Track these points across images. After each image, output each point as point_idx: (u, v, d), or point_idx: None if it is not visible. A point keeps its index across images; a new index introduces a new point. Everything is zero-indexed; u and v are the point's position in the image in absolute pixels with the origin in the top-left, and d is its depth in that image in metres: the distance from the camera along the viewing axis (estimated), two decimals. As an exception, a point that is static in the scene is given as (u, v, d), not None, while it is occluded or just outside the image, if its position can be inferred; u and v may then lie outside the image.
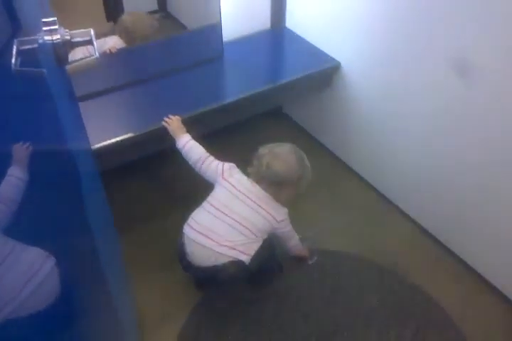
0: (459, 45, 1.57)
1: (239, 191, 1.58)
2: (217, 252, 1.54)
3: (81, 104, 1.64)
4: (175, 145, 1.65)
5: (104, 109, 1.79)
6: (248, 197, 1.58)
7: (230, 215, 1.56)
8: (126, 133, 1.67)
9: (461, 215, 1.88)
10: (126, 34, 1.89)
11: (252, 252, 1.56)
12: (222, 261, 1.55)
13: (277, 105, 2.53)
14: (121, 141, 1.66)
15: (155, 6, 2.16)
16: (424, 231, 2.08)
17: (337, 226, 2.12)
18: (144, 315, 1.80)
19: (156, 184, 2.28)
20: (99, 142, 1.62)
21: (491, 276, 1.89)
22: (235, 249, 1.55)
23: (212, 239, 1.55)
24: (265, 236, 1.62)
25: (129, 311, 1.69)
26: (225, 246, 1.54)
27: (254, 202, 1.58)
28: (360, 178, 2.30)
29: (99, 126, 1.68)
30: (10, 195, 0.91)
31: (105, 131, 1.68)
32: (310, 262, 1.92)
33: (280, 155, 1.59)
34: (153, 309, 1.82)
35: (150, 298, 1.85)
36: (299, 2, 2.14)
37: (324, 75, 2.11)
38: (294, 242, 1.79)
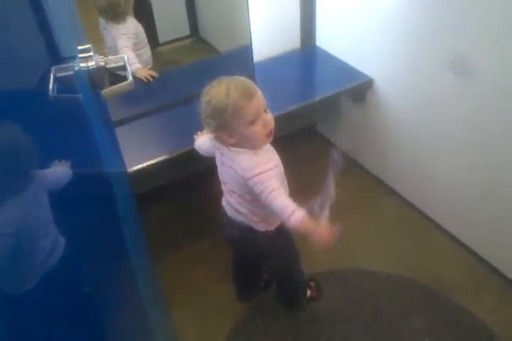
0: (494, 62, 1.54)
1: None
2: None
3: (117, 129, 1.67)
4: (206, 167, 1.63)
5: (139, 132, 1.81)
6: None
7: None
8: (161, 155, 1.68)
9: (507, 233, 1.80)
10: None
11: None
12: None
13: (311, 123, 2.52)
14: (157, 163, 1.67)
15: (187, 32, 2.20)
16: (469, 250, 2.00)
17: (378, 246, 2.06)
18: (179, 339, 1.78)
19: (187, 207, 2.27)
20: (135, 165, 1.64)
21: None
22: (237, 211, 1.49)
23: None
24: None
25: (166, 335, 1.68)
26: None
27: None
28: (400, 197, 2.24)
29: (134, 149, 1.70)
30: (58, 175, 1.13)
31: (141, 154, 1.70)
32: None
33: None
34: (189, 333, 1.80)
35: (186, 321, 1.83)
36: (329, 20, 2.14)
37: (357, 91, 2.09)
38: (281, 217, 1.31)
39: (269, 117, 1.34)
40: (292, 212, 1.27)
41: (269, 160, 1.36)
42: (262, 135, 1.33)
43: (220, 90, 1.29)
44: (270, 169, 1.33)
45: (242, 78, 1.33)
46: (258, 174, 1.31)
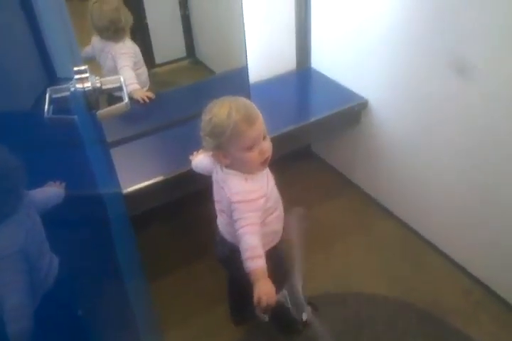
0: (495, 81, 1.55)
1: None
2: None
3: (113, 149, 1.67)
4: (201, 188, 1.62)
5: (135, 153, 1.81)
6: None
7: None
8: (157, 176, 1.68)
9: (504, 254, 1.79)
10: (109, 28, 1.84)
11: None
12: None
13: (306, 144, 2.53)
14: (152, 184, 1.66)
15: (184, 53, 2.22)
16: (465, 272, 1.98)
17: (371, 268, 2.04)
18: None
19: (181, 228, 2.25)
20: (131, 186, 1.63)
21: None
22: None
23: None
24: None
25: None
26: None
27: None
28: (394, 217, 2.23)
29: (130, 170, 1.70)
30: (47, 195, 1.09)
31: (136, 175, 1.69)
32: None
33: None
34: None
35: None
36: (324, 42, 2.17)
37: (352, 113, 2.10)
38: (243, 254, 1.29)
39: (266, 145, 1.32)
40: (255, 257, 1.25)
41: (258, 188, 1.34)
42: (256, 162, 1.32)
43: (222, 110, 1.27)
44: (255, 200, 1.31)
45: (246, 101, 1.32)
46: (241, 202, 1.30)
